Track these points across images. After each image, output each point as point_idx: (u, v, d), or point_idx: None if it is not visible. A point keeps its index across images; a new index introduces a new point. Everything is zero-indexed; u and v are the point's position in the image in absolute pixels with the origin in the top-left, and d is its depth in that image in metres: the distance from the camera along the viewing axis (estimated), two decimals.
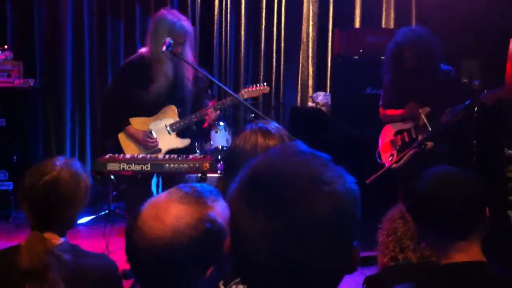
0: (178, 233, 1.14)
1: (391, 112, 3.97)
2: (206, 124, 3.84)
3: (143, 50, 3.77)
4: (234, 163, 1.91)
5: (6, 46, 4.63)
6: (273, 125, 2.02)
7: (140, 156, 3.39)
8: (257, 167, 1.00)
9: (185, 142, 3.82)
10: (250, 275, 0.98)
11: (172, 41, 3.49)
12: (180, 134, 3.81)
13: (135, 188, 3.67)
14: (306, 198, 0.93)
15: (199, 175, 3.21)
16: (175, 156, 3.38)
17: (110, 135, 3.78)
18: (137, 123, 3.75)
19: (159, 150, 3.75)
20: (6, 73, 5.45)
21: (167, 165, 3.23)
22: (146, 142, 3.71)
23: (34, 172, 1.85)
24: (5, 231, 5.01)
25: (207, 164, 3.19)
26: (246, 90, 4.00)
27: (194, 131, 3.99)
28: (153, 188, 4.79)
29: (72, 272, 1.76)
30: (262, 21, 6.25)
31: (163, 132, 3.77)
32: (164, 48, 3.47)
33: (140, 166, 3.22)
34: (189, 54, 3.67)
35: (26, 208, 1.84)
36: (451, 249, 1.63)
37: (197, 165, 3.20)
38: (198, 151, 5.28)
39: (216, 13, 6.22)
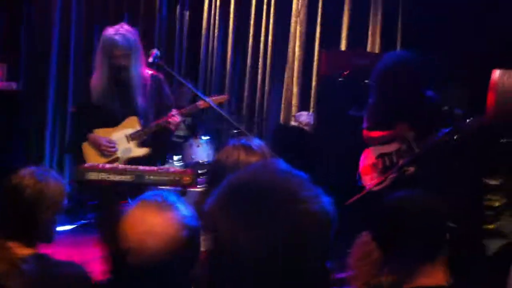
0: (172, 240, 1.17)
1: (376, 134, 4.00)
2: (169, 126, 3.85)
3: None
4: (216, 178, 1.92)
5: None
6: (255, 142, 2.03)
7: (121, 166, 3.37)
8: (237, 180, 1.03)
9: (143, 151, 3.88)
10: (230, 282, 0.99)
11: (159, 53, 3.52)
12: (141, 144, 3.88)
13: (107, 197, 3.69)
14: (281, 213, 0.95)
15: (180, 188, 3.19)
16: (156, 168, 3.37)
17: (76, 145, 3.89)
18: (100, 133, 3.85)
19: (117, 159, 3.84)
20: None
21: (147, 176, 3.20)
22: (105, 148, 3.80)
23: (3, 180, 1.84)
24: None
25: (188, 178, 3.17)
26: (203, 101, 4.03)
27: (158, 143, 4.04)
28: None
29: (37, 282, 1.72)
30: (249, 37, 6.29)
31: (123, 141, 3.85)
32: (150, 59, 3.51)
33: (119, 177, 3.19)
34: (138, 65, 3.72)
35: None
36: (415, 273, 1.64)
37: (177, 178, 3.18)
38: (179, 163, 5.26)
39: (204, 27, 6.25)
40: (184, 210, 1.26)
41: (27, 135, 6.03)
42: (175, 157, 5.46)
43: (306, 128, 5.62)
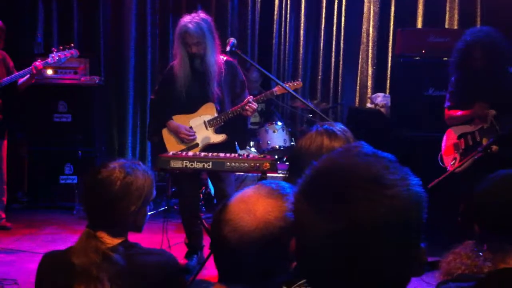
0: (269, 226, 1.19)
1: (458, 112, 3.88)
2: (245, 114, 3.88)
3: None
4: (298, 163, 1.90)
5: (72, 44, 4.79)
6: (338, 127, 1.99)
7: (202, 154, 3.45)
8: (319, 168, 1.00)
9: (221, 137, 3.93)
10: (313, 276, 0.98)
11: (235, 41, 3.54)
12: (218, 130, 3.94)
13: (186, 184, 3.82)
14: (366, 200, 0.91)
15: (259, 174, 3.23)
16: (236, 155, 3.43)
17: (156, 132, 3.97)
18: (179, 119, 3.93)
19: (197, 145, 3.90)
20: (73, 70, 5.66)
21: (228, 163, 3.27)
22: (184, 136, 3.87)
23: (92, 172, 1.87)
24: (69, 223, 5.21)
25: (268, 164, 3.21)
26: (279, 87, 3.99)
27: (236, 129, 4.09)
28: (210, 185, 4.87)
29: (127, 271, 1.76)
30: (321, 20, 6.23)
31: (201, 127, 3.92)
32: (228, 48, 3.53)
33: (202, 164, 3.28)
34: (212, 52, 3.75)
35: (83, 206, 1.88)
36: (509, 254, 1.60)
37: (257, 164, 3.22)
38: (255, 149, 5.33)
39: (276, 12, 6.25)
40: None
41: (108, 127, 6.28)
42: (251, 143, 5.53)
43: (382, 110, 5.53)
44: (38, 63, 4.57)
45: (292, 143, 5.41)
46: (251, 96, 3.90)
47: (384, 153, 0.99)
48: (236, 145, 4.22)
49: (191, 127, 3.91)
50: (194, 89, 3.84)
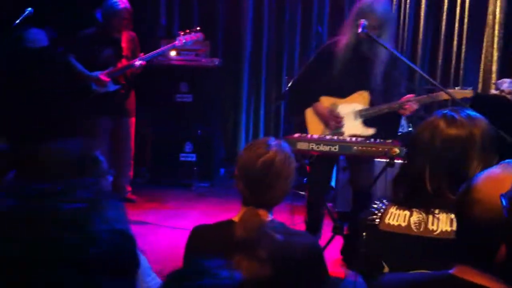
0: None
1: None
2: (402, 112, 3.56)
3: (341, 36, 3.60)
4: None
5: (198, 28, 4.93)
6: (463, 113, 1.77)
7: (328, 137, 3.44)
8: None
9: (369, 131, 3.61)
10: None
11: (367, 23, 3.34)
12: (367, 122, 3.63)
13: (318, 167, 3.65)
14: None
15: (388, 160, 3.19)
16: (363, 139, 3.39)
17: (299, 110, 3.74)
18: (326, 101, 3.65)
19: (342, 133, 3.60)
20: (194, 52, 5.84)
21: (355, 147, 3.25)
22: (331, 121, 3.60)
23: (251, 152, 1.91)
24: (189, 199, 5.43)
25: (396, 149, 3.16)
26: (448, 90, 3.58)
27: (386, 125, 3.79)
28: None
29: (280, 250, 1.78)
30: (444, 0, 5.98)
31: (350, 116, 3.62)
32: (359, 29, 3.32)
33: (328, 147, 3.28)
34: (387, 38, 3.42)
35: (242, 185, 1.92)
36: None
37: (386, 149, 3.18)
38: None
39: None
40: None
41: (225, 108, 6.43)
42: None
43: (509, 96, 5.24)
44: (138, 62, 4.71)
45: (410, 129, 5.27)
46: (413, 95, 3.56)
47: None
48: None
49: (338, 113, 3.62)
50: (352, 73, 3.50)
